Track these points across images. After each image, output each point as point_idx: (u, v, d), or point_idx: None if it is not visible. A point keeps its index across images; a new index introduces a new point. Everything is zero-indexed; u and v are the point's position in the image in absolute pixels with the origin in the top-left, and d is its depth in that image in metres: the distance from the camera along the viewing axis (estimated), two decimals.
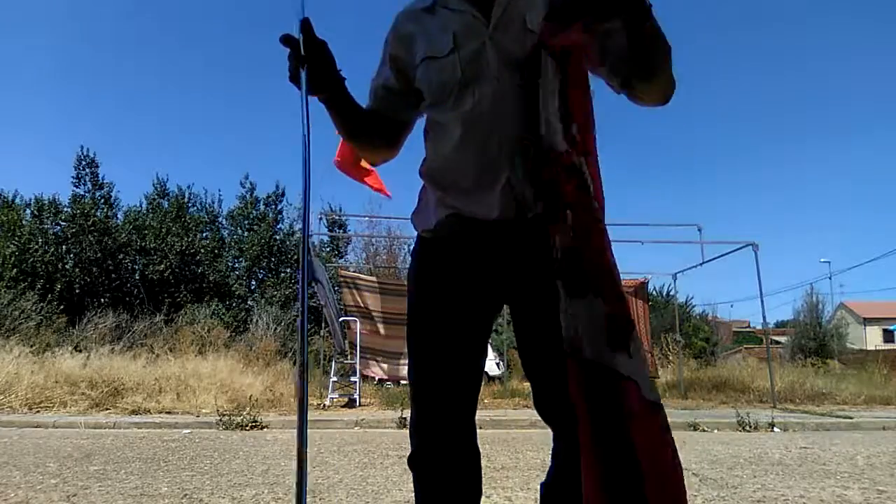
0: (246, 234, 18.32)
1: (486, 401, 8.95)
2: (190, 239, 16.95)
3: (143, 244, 16.47)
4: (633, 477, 0.94)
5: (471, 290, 1.20)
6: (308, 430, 1.12)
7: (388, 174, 8.24)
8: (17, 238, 15.07)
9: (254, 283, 17.91)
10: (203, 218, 18.48)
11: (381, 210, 16.78)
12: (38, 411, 7.37)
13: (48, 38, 33.44)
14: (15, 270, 14.19)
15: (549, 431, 1.20)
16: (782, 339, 23.44)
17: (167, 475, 3.56)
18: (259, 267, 17.82)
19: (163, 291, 16.02)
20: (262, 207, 18.90)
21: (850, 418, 7.16)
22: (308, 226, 1.26)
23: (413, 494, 1.23)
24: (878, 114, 65.44)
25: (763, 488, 3.21)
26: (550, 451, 1.21)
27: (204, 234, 18.07)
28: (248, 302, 16.63)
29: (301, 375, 1.14)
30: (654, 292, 18.06)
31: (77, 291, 15.22)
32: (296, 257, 9.32)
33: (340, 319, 9.59)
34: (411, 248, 1.42)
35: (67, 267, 15.54)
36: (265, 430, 6.20)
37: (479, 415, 1.28)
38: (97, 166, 17.76)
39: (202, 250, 17.16)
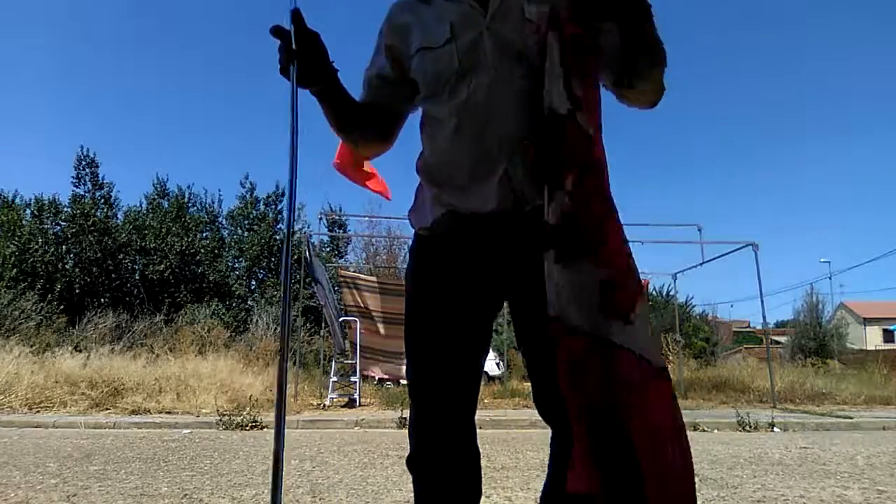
0: (246, 234, 18.32)
1: (486, 401, 8.95)
2: (190, 239, 16.95)
3: (143, 244, 16.47)
4: (627, 464, 0.91)
5: (469, 287, 1.18)
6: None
7: (389, 174, 8.24)
8: (17, 238, 15.06)
9: (254, 283, 17.92)
10: (203, 218, 18.48)
11: (381, 210, 16.82)
12: (38, 411, 7.37)
13: (48, 38, 33.55)
14: (15, 270, 14.19)
15: (549, 431, 1.19)
16: (782, 339, 23.42)
17: (167, 475, 3.56)
18: (259, 267, 17.82)
19: (163, 291, 16.02)
20: (262, 207, 18.90)
21: (850, 418, 7.16)
22: (293, 215, 1.24)
23: (413, 495, 1.22)
24: (878, 114, 65.60)
25: (763, 488, 3.21)
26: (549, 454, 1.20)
27: (204, 234, 18.07)
28: (248, 302, 16.63)
29: (280, 381, 1.12)
30: (654, 292, 18.06)
31: (77, 291, 15.22)
32: (296, 257, 9.30)
33: (340, 319, 9.60)
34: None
35: (67, 267, 15.54)
36: (265, 430, 6.19)
37: (479, 415, 1.27)
38: (97, 166, 17.84)
39: (202, 250, 17.16)
